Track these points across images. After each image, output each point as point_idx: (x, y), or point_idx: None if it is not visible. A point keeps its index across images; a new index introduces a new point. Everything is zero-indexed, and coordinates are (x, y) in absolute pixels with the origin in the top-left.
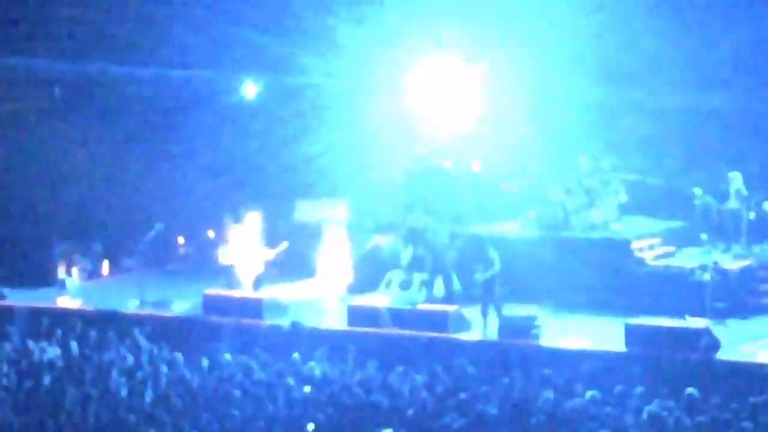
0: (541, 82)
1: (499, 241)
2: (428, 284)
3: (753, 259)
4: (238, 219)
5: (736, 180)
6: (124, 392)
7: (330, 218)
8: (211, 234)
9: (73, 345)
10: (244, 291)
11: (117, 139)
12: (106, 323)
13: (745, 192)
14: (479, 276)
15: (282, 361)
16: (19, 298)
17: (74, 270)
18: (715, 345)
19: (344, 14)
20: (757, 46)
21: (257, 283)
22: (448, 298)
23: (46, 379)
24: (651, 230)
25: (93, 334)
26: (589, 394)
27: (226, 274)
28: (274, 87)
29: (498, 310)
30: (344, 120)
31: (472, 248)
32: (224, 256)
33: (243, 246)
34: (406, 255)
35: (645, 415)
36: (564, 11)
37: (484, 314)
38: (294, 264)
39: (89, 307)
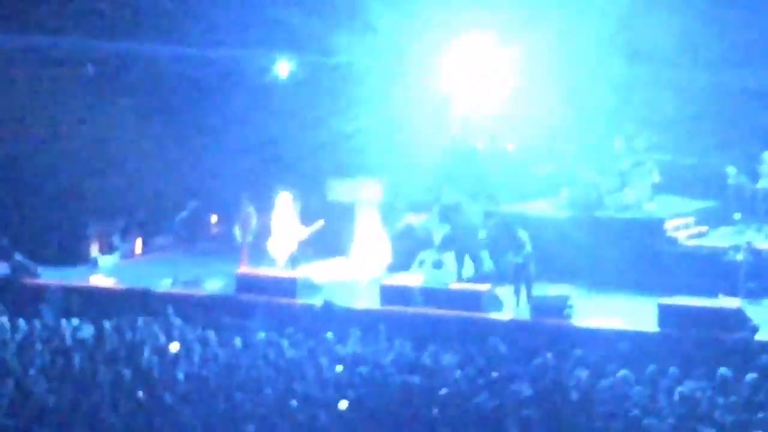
0: (574, 63)
1: (532, 221)
2: (461, 263)
3: None
4: (258, 199)
5: None
6: (157, 371)
7: (363, 198)
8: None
9: (106, 324)
10: (277, 270)
11: (150, 118)
12: (139, 302)
13: None
14: (512, 257)
15: (314, 340)
16: (52, 277)
17: (112, 250)
18: (754, 328)
19: None
20: None
21: (293, 262)
22: (481, 277)
23: (78, 358)
24: (684, 210)
25: (125, 312)
26: (621, 373)
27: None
28: (307, 66)
29: (529, 291)
30: (377, 99)
31: (504, 228)
32: (239, 235)
33: (278, 225)
34: (438, 234)
35: (677, 396)
36: None
37: (517, 294)
38: (327, 243)
39: (122, 286)
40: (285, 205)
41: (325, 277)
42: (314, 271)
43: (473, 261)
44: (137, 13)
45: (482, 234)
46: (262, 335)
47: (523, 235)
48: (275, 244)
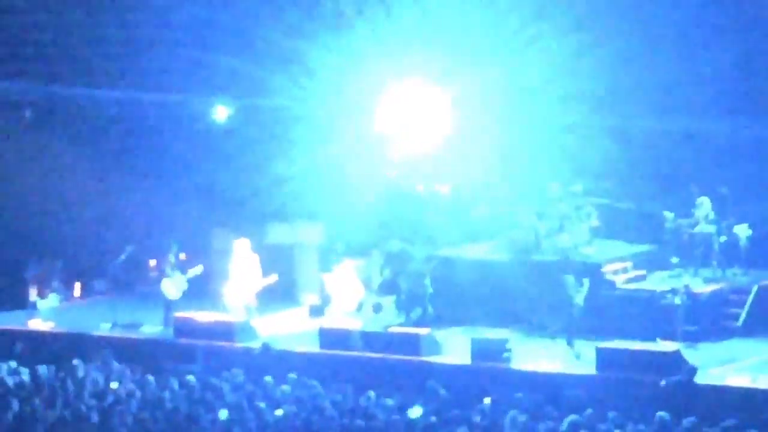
0: (511, 106)
1: (471, 264)
2: (401, 307)
3: (724, 282)
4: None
5: (704, 205)
6: (95, 415)
7: (302, 241)
8: (183, 257)
9: (44, 368)
10: (214, 314)
11: (88, 162)
12: (78, 346)
13: (712, 216)
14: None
15: (253, 383)
16: None
17: (50, 294)
18: (692, 371)
19: (315, 38)
20: (728, 70)
21: (248, 311)
22: (421, 322)
23: (16, 403)
24: (622, 254)
25: (64, 356)
26: (568, 419)
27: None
28: (245, 109)
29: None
30: (316, 142)
31: (445, 271)
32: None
33: (235, 272)
34: (377, 278)
35: None
36: (534, 35)
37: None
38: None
39: (61, 330)
40: (242, 252)
41: (272, 325)
42: (267, 320)
43: (418, 306)
44: (75, 58)
45: (425, 278)
46: (192, 378)
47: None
48: (232, 292)
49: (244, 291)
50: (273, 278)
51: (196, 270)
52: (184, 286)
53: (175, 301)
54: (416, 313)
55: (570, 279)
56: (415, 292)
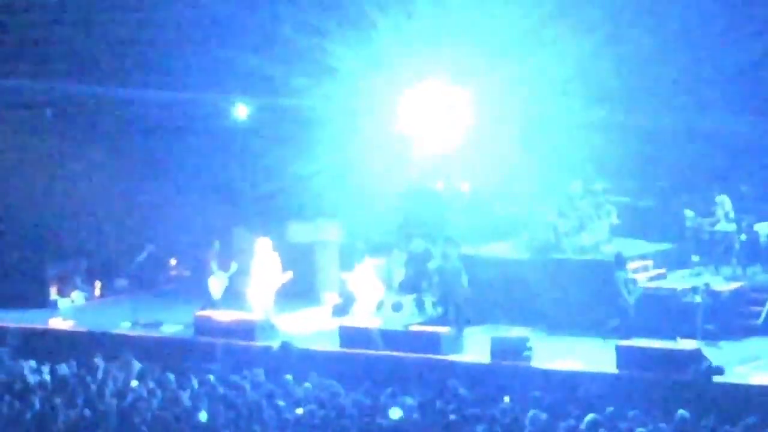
0: (532, 105)
1: (492, 263)
2: (421, 305)
3: (744, 280)
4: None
5: (724, 203)
6: (115, 414)
7: (323, 240)
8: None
9: (65, 366)
10: (235, 312)
11: (109, 161)
12: (98, 344)
13: (732, 215)
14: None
15: (273, 382)
16: (11, 320)
17: (74, 291)
18: (712, 369)
19: (337, 37)
20: (749, 67)
21: (268, 310)
22: (441, 320)
23: (37, 401)
24: (642, 252)
25: (85, 355)
26: (587, 418)
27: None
28: (266, 109)
29: None
30: (336, 141)
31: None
32: (214, 286)
33: (257, 272)
34: (398, 277)
35: None
36: (554, 33)
37: None
38: (288, 285)
39: (81, 329)
40: (263, 251)
41: (292, 324)
42: (287, 319)
43: (437, 303)
44: (96, 58)
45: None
46: (211, 377)
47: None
48: (253, 291)
49: (265, 290)
50: (288, 275)
51: (233, 269)
52: (226, 284)
53: (217, 300)
54: (450, 312)
55: (621, 276)
56: (430, 290)
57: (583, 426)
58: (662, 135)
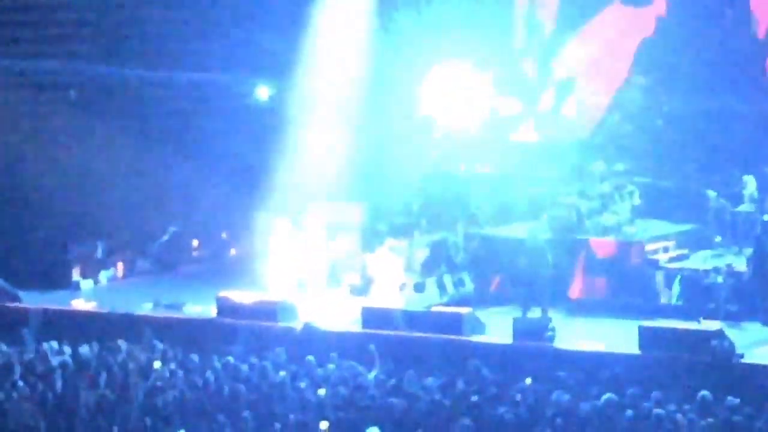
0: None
1: (513, 244)
2: (442, 286)
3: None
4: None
5: (749, 183)
6: (138, 395)
7: (344, 221)
8: (225, 236)
9: (87, 347)
10: (257, 293)
11: (131, 142)
12: (121, 326)
13: (757, 195)
14: None
15: (295, 363)
16: (33, 301)
17: (101, 271)
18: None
19: None
20: None
21: (300, 287)
22: (463, 300)
23: (59, 382)
24: (665, 233)
25: (107, 336)
26: (605, 397)
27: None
28: (287, 90)
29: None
30: (359, 123)
31: (487, 250)
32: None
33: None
34: (419, 257)
35: (658, 418)
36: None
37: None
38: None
39: (103, 310)
40: (284, 232)
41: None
42: (309, 300)
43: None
44: (118, 39)
45: (465, 257)
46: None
47: None
48: (275, 273)
49: (287, 271)
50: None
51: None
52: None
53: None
54: (459, 288)
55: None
56: (452, 271)
57: (604, 406)
58: (685, 116)
